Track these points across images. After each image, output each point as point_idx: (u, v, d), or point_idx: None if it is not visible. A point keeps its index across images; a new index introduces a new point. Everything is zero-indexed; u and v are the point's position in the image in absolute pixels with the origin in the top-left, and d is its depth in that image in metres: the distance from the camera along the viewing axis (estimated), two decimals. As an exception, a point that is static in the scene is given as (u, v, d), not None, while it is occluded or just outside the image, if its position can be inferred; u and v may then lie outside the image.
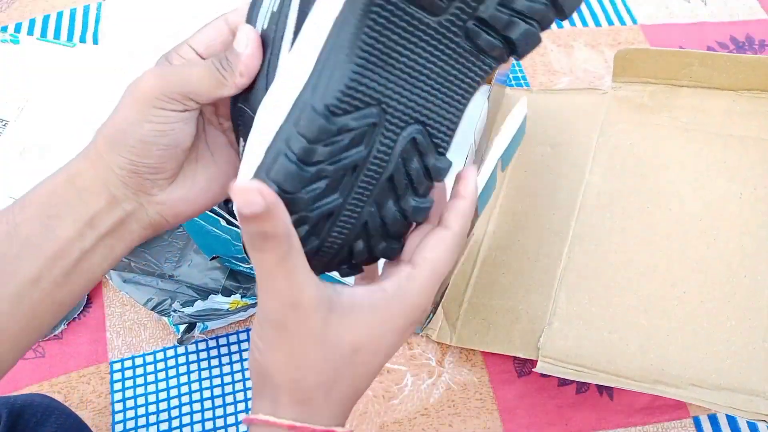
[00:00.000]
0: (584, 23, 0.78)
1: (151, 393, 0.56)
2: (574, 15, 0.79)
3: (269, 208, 0.24)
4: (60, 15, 0.80)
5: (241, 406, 0.56)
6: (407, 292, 0.29)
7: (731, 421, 0.53)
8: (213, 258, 0.57)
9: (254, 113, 0.29)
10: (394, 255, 0.31)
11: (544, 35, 0.32)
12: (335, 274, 0.32)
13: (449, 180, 0.32)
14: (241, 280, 0.59)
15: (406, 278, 0.29)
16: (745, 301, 0.51)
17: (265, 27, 0.30)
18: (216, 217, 0.50)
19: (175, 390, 0.56)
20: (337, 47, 0.26)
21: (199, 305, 0.54)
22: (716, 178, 0.57)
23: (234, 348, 0.58)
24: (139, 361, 0.58)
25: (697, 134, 0.60)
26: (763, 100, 0.61)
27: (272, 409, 0.29)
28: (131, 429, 0.55)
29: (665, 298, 0.52)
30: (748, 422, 0.53)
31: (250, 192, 0.24)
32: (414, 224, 0.31)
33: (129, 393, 0.56)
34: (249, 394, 0.56)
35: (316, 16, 0.27)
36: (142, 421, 0.55)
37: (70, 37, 0.78)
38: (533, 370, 0.55)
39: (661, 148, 0.60)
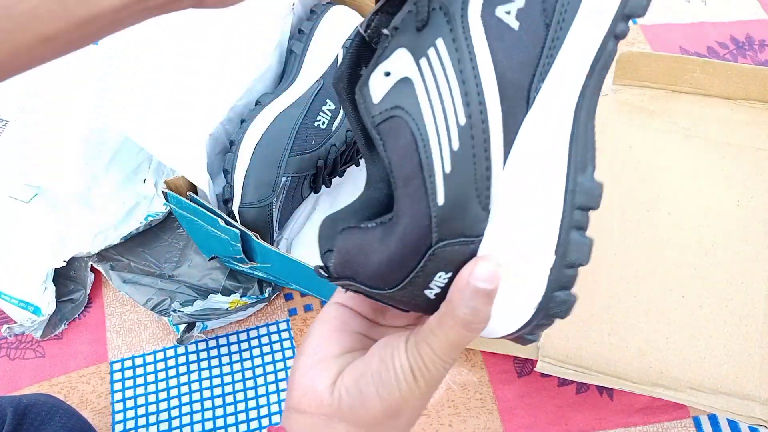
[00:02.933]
0: (584, 23, 0.78)
1: (151, 393, 0.56)
2: (574, 15, 0.79)
3: (495, 291, 0.27)
4: (60, 15, 0.80)
5: (241, 406, 0.56)
6: None
7: (731, 421, 0.53)
8: (212, 258, 0.57)
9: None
10: None
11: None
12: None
13: None
14: (240, 280, 0.59)
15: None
16: (741, 307, 0.52)
17: (456, 149, 0.26)
18: (214, 216, 0.50)
19: (175, 390, 0.57)
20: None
21: (199, 305, 0.55)
22: (714, 184, 0.58)
23: (234, 348, 0.58)
24: (139, 361, 0.58)
25: (696, 140, 0.60)
26: (760, 110, 0.61)
27: None
28: (131, 429, 0.55)
29: (664, 301, 0.52)
30: (747, 422, 0.54)
31: (497, 270, 0.27)
32: None
33: (129, 393, 0.56)
34: (249, 393, 0.56)
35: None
36: (142, 421, 0.55)
37: (70, 37, 0.78)
38: (533, 370, 0.55)
39: (660, 152, 0.60)
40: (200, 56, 0.61)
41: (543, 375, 0.55)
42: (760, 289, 0.52)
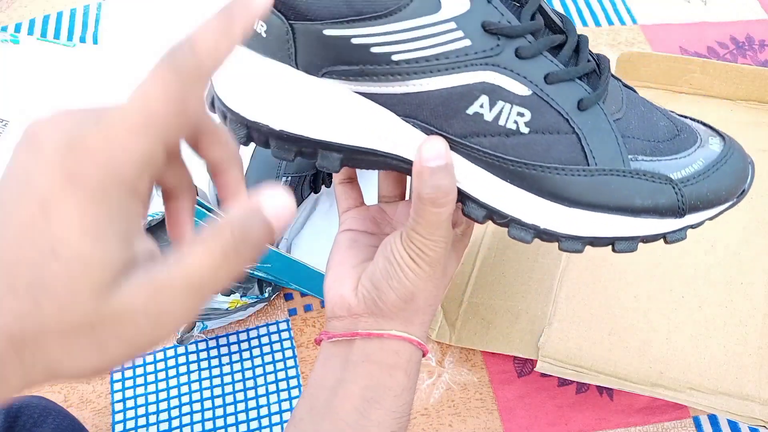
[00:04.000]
0: (584, 23, 0.78)
1: (151, 393, 0.56)
2: (574, 14, 0.79)
3: (450, 162, 0.31)
4: (60, 15, 0.80)
5: (240, 406, 0.56)
6: None
7: (732, 421, 0.53)
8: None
9: None
10: None
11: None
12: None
13: None
14: (240, 280, 0.59)
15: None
16: (741, 308, 0.52)
17: None
18: (214, 217, 0.50)
19: (175, 390, 0.57)
20: None
21: (199, 305, 0.54)
22: (714, 184, 0.58)
23: (234, 348, 0.58)
24: (139, 360, 0.58)
25: (696, 139, 0.60)
26: (759, 110, 0.61)
27: (404, 328, 0.35)
28: (131, 429, 0.55)
29: (664, 301, 0.52)
30: (747, 423, 0.54)
31: (443, 145, 0.30)
32: None
33: (129, 393, 0.56)
34: (249, 393, 0.56)
35: None
36: (142, 421, 0.55)
37: (70, 37, 0.78)
38: (533, 369, 0.55)
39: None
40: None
41: (543, 375, 0.55)
42: (760, 289, 0.52)
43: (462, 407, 0.54)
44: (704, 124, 0.36)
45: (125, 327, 0.19)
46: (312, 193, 0.59)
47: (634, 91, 0.35)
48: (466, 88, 0.30)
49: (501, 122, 0.30)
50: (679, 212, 0.33)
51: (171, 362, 0.58)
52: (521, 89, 0.30)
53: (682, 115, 0.37)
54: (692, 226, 0.34)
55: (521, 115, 0.30)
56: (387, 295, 0.34)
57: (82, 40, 0.77)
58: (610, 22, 0.78)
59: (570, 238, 0.33)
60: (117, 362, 0.20)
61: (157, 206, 0.62)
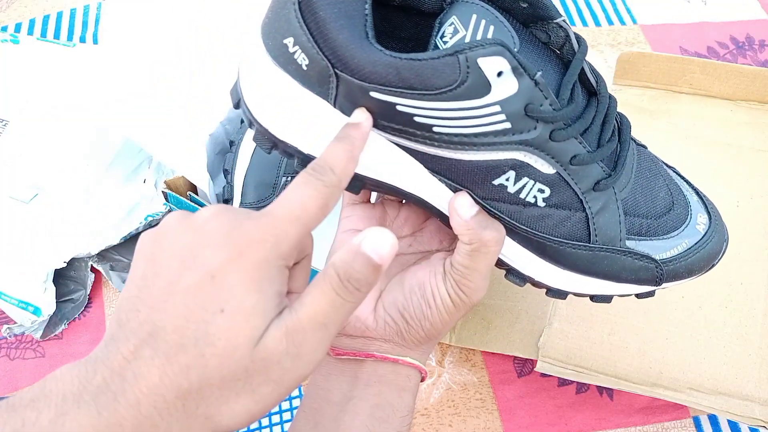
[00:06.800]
0: (584, 23, 0.78)
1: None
2: (574, 15, 0.79)
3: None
4: (60, 15, 0.80)
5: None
6: None
7: (732, 421, 0.53)
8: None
9: None
10: None
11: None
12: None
13: None
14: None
15: None
16: (740, 308, 0.52)
17: None
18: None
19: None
20: None
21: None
22: (714, 185, 0.58)
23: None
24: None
25: (696, 141, 0.60)
26: (760, 111, 0.61)
27: (418, 356, 0.37)
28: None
29: (664, 301, 0.52)
30: (747, 423, 0.53)
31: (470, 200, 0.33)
32: None
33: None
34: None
35: None
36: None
37: (70, 37, 0.78)
38: (533, 369, 0.55)
39: (660, 153, 0.60)
40: (200, 56, 0.61)
41: (543, 375, 0.55)
42: (760, 289, 0.52)
43: (462, 407, 0.54)
44: (697, 193, 0.40)
45: (273, 369, 0.24)
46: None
47: (645, 147, 0.38)
48: (496, 162, 0.31)
49: (522, 195, 0.33)
50: (656, 284, 0.37)
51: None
52: (547, 168, 0.32)
53: (679, 175, 0.40)
54: (661, 288, 0.38)
55: (542, 191, 0.32)
56: (416, 330, 0.35)
57: (82, 40, 0.77)
58: (610, 22, 0.78)
59: (558, 291, 0.38)
60: (269, 404, 0.24)
61: (157, 206, 0.62)
